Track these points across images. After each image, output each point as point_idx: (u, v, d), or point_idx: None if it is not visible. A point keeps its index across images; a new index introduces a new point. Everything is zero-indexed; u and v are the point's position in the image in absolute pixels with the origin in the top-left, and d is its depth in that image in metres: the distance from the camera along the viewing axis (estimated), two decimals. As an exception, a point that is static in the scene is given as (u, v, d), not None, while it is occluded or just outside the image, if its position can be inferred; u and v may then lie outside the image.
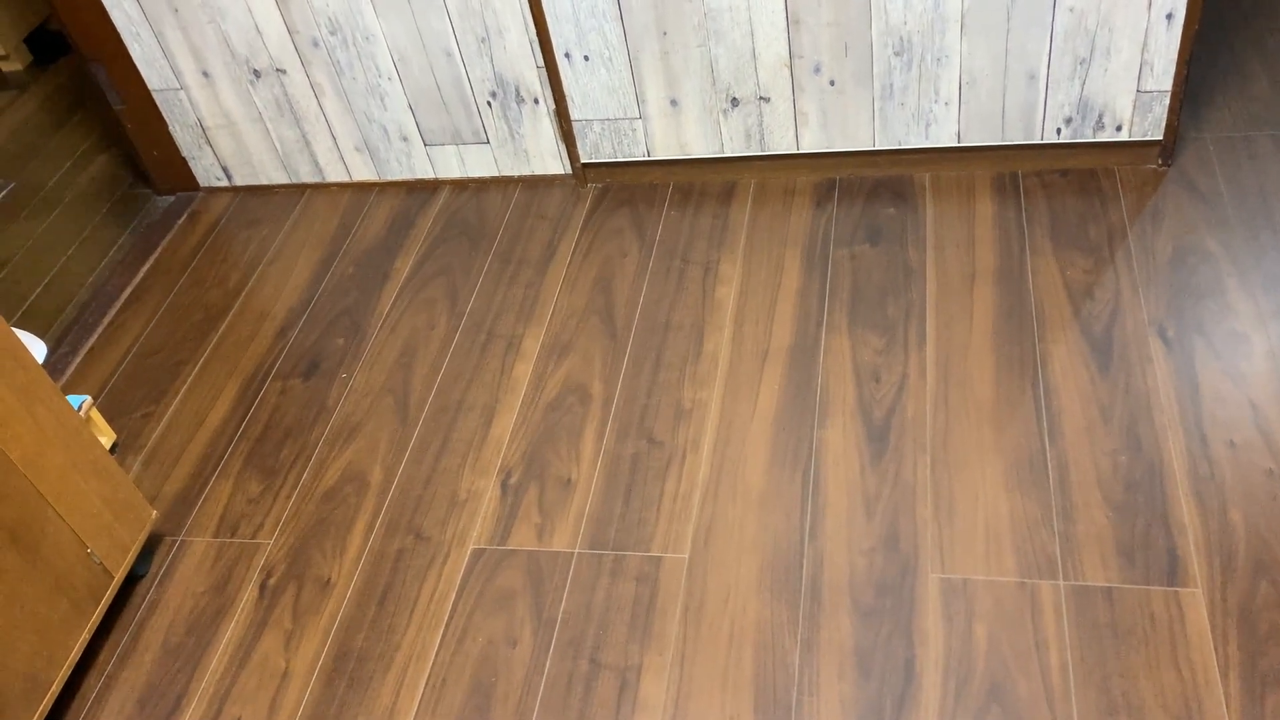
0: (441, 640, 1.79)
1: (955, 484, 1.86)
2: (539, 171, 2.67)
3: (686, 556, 1.84)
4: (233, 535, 2.02)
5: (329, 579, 1.91)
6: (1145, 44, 2.16)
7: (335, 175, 2.79)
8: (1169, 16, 2.11)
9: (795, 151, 2.49)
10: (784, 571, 1.79)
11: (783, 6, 2.23)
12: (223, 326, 2.47)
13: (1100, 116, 2.28)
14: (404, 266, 2.53)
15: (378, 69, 2.53)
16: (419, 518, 1.98)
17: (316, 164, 2.77)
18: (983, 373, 2.03)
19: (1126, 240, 2.20)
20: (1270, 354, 1.95)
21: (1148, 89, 2.22)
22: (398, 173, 2.74)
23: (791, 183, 2.53)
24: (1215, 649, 1.58)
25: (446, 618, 1.82)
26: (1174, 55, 2.16)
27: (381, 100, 2.59)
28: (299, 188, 2.84)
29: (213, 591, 1.93)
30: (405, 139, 2.66)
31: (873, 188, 2.46)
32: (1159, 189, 2.30)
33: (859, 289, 2.24)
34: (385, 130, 2.65)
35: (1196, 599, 1.64)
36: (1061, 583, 1.69)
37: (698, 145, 2.52)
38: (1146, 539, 1.73)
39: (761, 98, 2.40)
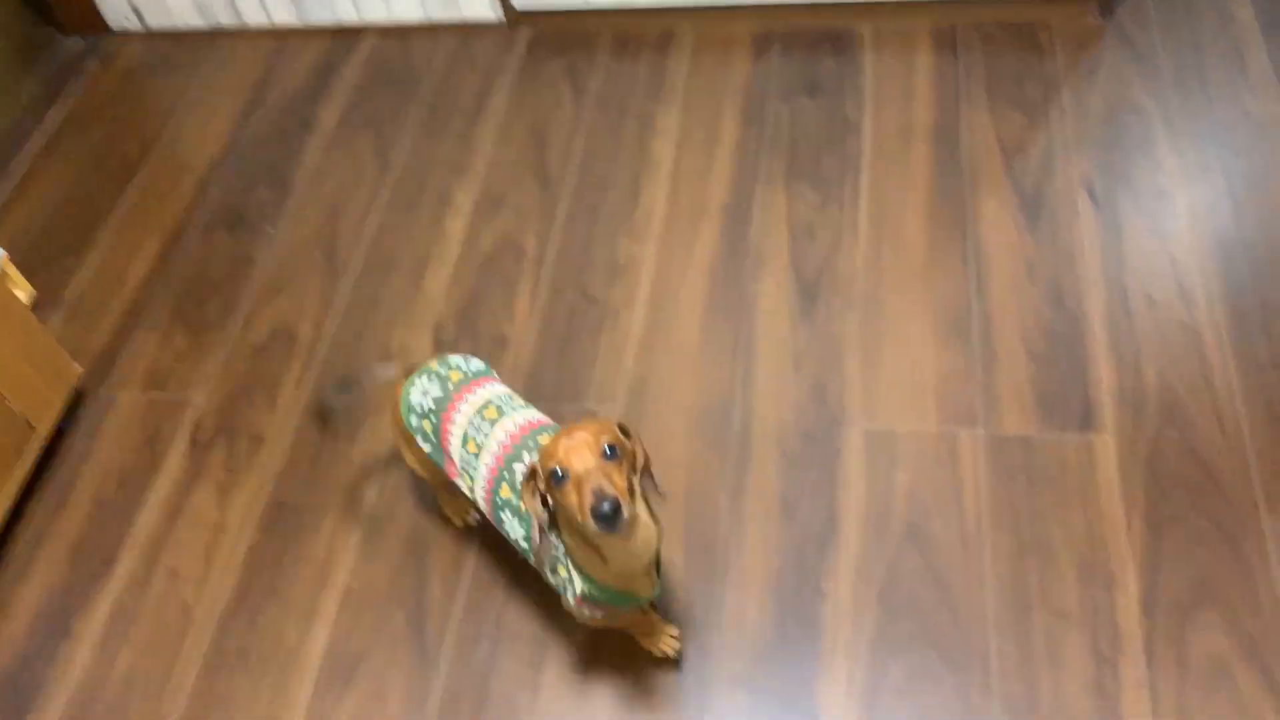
0: (378, 490, 1.80)
1: (883, 338, 1.89)
2: (469, 18, 2.56)
3: (620, 410, 1.86)
4: (162, 390, 1.99)
5: (261, 433, 1.90)
6: (1092, -110, 2.11)
7: (254, 19, 2.65)
8: None
9: (734, 1, 2.41)
10: (715, 423, 1.82)
11: None
12: (141, 177, 2.38)
13: (1043, -33, 2.24)
14: (329, 117, 2.44)
15: (295, -98, 2.38)
16: (355, 370, 1.97)
17: (234, 6, 2.63)
18: (915, 228, 2.04)
19: (1061, 96, 2.20)
20: (1192, 210, 1.99)
21: (1091, -61, 2.18)
22: (320, 17, 2.61)
23: (730, 33, 2.46)
24: (1122, 493, 1.66)
25: (382, 469, 1.83)
26: (1120, -97, 2.11)
27: (300, -63, 2.44)
28: (216, 33, 2.69)
29: (143, 446, 1.92)
30: (328, -20, 2.53)
31: (813, 39, 2.41)
32: (1096, 44, 2.28)
33: (797, 143, 2.22)
34: (306, -30, 2.52)
35: (1107, 446, 1.71)
36: (981, 432, 1.75)
37: (634, -8, 2.43)
38: (1064, 390, 1.78)
39: (700, -59, 2.31)
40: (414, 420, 1.48)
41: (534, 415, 1.46)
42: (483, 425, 1.42)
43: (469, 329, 2.00)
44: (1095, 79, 2.22)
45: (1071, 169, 2.08)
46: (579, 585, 1.35)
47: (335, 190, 2.28)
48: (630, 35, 2.50)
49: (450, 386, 1.47)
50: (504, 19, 2.55)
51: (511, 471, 1.39)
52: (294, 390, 1.96)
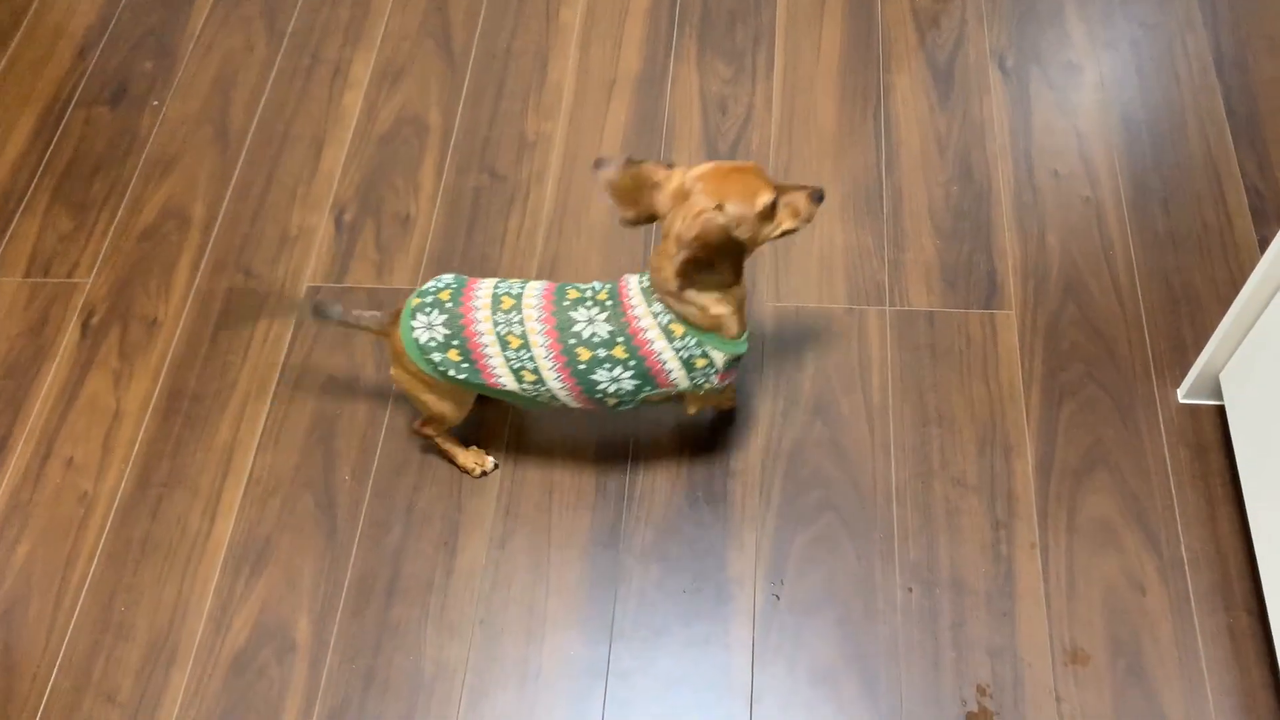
0: (280, 376, 1.76)
1: (794, 215, 1.88)
2: (363, -126, 2.39)
3: (529, 290, 1.83)
4: (46, 275, 1.89)
5: (155, 318, 1.83)
6: None
7: (127, -128, 2.44)
8: None
9: None
10: (625, 302, 1.80)
11: None
12: (12, 46, 2.21)
13: None
14: (215, -19, 2.29)
15: None
16: (247, 255, 1.89)
17: None
18: (827, 104, 2.01)
19: (976, -34, 2.16)
20: (1099, 85, 1.99)
21: None
22: None
23: (641, -105, 2.35)
24: (1022, 364, 1.70)
25: (284, 355, 1.78)
26: None
27: None
28: (86, -114, 2.48)
29: (30, 333, 1.83)
30: None
31: (726, -97, 2.32)
32: (1012, -89, 2.24)
33: (709, 13, 2.15)
34: None
35: (1010, 320, 1.75)
36: (887, 308, 1.77)
37: None
38: (970, 265, 1.81)
39: None
40: (436, 358, 1.39)
41: (538, 284, 1.42)
42: (510, 317, 1.37)
43: (371, 208, 1.93)
44: (1010, -52, 2.18)
45: (984, 42, 2.06)
46: (723, 356, 1.39)
47: (224, 61, 2.16)
48: (536, -104, 2.37)
49: (449, 305, 1.39)
50: (401, -124, 2.39)
51: (576, 336, 1.36)
52: (189, 274, 1.88)
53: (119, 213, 1.96)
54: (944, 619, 1.49)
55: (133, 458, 1.69)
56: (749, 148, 1.96)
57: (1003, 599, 1.50)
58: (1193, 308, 1.73)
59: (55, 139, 2.06)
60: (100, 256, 1.91)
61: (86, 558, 1.61)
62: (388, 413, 1.71)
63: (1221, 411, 1.62)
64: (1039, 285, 1.77)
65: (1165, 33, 2.05)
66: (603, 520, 1.59)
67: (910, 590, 1.52)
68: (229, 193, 1.97)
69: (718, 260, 1.31)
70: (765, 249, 1.84)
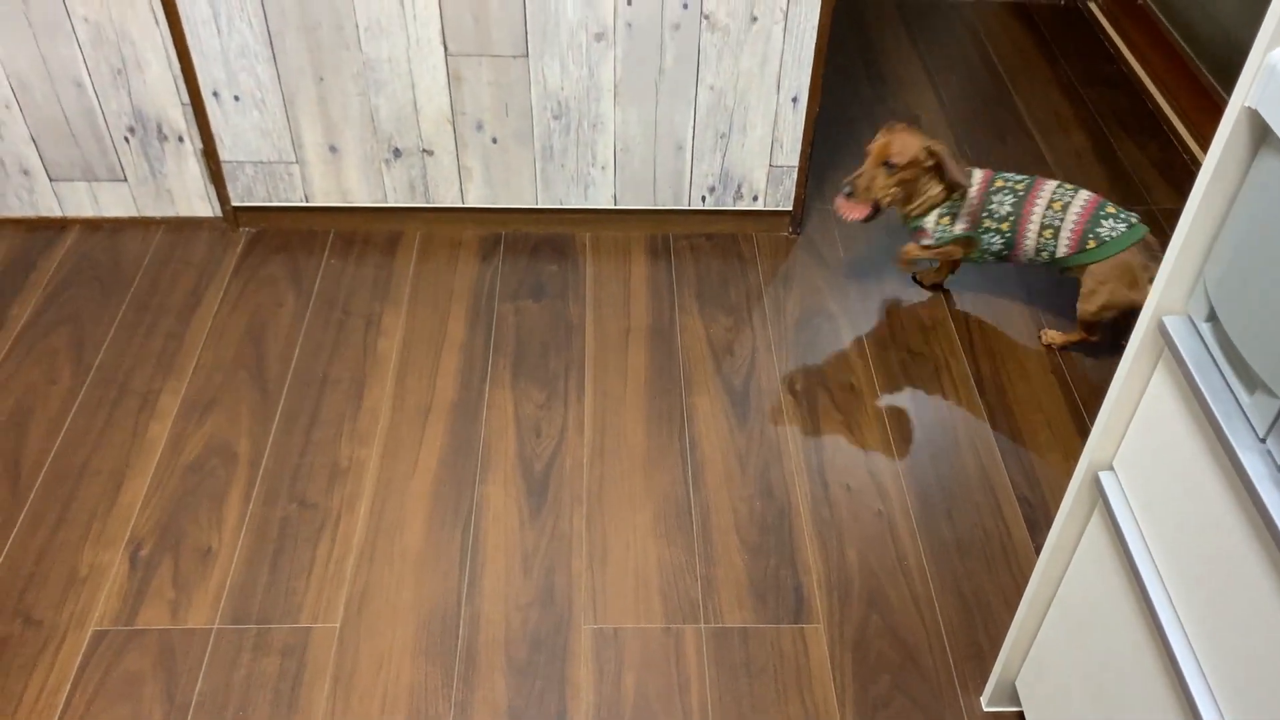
0: (52, 737, 1.60)
1: (609, 534, 1.92)
2: (184, 213, 2.49)
3: (338, 625, 1.76)
4: None
5: (-90, 678, 1.65)
6: (775, 123, 2.37)
7: (-62, 208, 2.46)
8: (795, 99, 2.33)
9: (460, 205, 2.49)
10: (440, 633, 1.76)
11: (443, 62, 2.25)
12: None
13: (739, 187, 2.47)
14: (20, 314, 2.27)
15: (-9, 94, 2.27)
16: (29, 598, 1.76)
17: (-86, 195, 2.43)
18: (635, 426, 2.12)
19: (762, 301, 2.40)
20: (877, 405, 2.19)
21: (779, 163, 2.44)
22: (17, 209, 2.46)
23: (457, 236, 2.53)
24: (834, 679, 1.73)
25: (60, 711, 1.63)
26: (800, 134, 2.39)
27: (-4, 128, 2.32)
28: (-109, 220, 2.47)
29: None
30: (26, 173, 2.40)
31: (536, 244, 2.52)
32: (789, 254, 2.52)
33: (522, 343, 2.27)
34: (1, 162, 2.38)
35: (819, 634, 1.79)
36: (703, 626, 1.79)
37: (360, 194, 2.46)
38: (777, 580, 1.87)
39: (424, 150, 2.39)
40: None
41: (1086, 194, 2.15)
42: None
43: (170, 543, 1.86)
44: (790, 286, 2.44)
45: (774, 368, 2.25)
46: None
47: (23, 393, 2.10)
48: (356, 235, 2.52)
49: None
50: (222, 215, 2.50)
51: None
52: (-44, 623, 1.72)
53: (-119, 558, 1.81)
54: None
55: None
56: (563, 468, 2.02)
57: None
58: (985, 615, 1.83)
59: None
60: None
61: None
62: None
63: (1023, 718, 1.67)
64: (843, 598, 1.84)
65: (932, 359, 2.29)
66: None
67: None
68: (14, 533, 1.85)
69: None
70: (582, 572, 1.85)
